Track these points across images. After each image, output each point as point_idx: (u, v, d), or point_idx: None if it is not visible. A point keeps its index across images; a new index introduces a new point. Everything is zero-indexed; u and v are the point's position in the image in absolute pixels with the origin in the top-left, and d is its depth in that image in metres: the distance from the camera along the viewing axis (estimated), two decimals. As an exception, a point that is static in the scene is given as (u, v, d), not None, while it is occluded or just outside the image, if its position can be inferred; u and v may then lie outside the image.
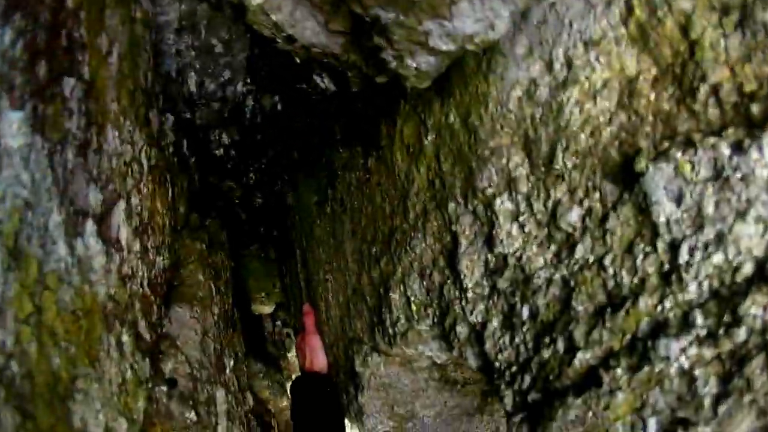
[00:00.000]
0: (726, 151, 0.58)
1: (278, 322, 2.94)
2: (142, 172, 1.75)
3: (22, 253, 0.92)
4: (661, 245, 0.63)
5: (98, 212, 1.32)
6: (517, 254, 0.88)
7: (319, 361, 1.91)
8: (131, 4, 1.67)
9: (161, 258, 1.90)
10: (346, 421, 1.81)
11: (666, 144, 0.64)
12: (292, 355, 2.93)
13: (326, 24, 1.15)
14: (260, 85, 2.61)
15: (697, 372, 0.58)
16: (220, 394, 1.93)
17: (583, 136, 0.77)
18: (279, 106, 2.71)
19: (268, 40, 1.56)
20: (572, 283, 0.77)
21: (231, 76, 2.55)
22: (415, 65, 0.90)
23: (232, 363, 2.19)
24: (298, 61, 1.65)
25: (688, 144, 0.61)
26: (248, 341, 2.57)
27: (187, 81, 2.47)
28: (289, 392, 1.91)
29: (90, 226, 1.27)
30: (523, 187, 0.85)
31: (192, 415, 1.66)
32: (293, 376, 2.85)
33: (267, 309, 2.75)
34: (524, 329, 0.87)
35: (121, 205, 1.53)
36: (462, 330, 1.05)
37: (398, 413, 1.65)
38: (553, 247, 0.81)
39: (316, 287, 2.04)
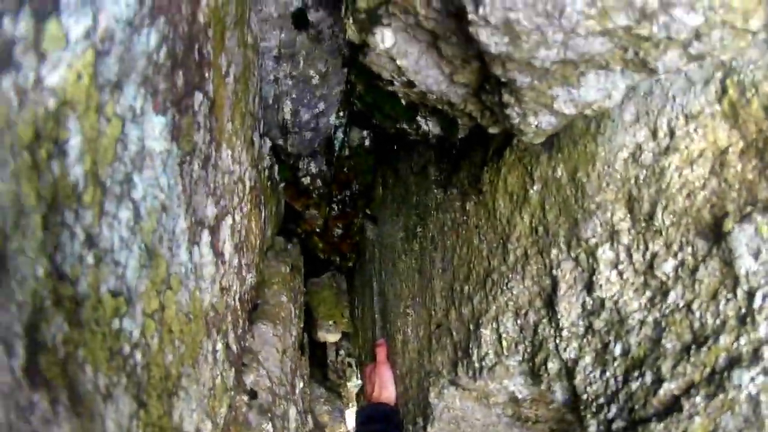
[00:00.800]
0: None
1: (341, 351, 3.22)
2: (244, 192, 2.06)
3: (154, 252, 1.19)
4: (740, 293, 0.86)
5: (212, 224, 1.61)
6: (614, 298, 1.12)
7: (389, 391, 2.18)
8: (245, 28, 1.99)
9: (251, 276, 2.21)
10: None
11: (749, 209, 0.88)
12: (352, 384, 3.20)
13: (451, 75, 1.42)
14: (351, 119, 2.94)
15: (762, 397, 0.80)
16: (292, 411, 2.19)
17: (680, 198, 1.01)
18: (367, 142, 3.03)
19: (371, 79, 1.85)
20: (663, 324, 1.00)
21: (325, 107, 2.90)
22: (536, 123, 1.17)
23: (301, 384, 2.46)
24: (403, 102, 1.94)
25: (766, 209, 0.85)
26: (311, 366, 2.86)
27: (283, 108, 2.84)
28: (355, 419, 2.17)
29: (206, 236, 1.56)
30: (625, 239, 1.10)
31: (269, 427, 1.94)
32: (350, 405, 3.12)
33: (332, 337, 3.03)
34: (615, 364, 1.10)
35: (229, 220, 1.83)
36: (553, 366, 1.28)
37: (464, 446, 1.87)
38: (647, 293, 1.04)
39: (394, 320, 2.31)
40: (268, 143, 2.61)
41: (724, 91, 0.97)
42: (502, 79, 1.10)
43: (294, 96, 2.90)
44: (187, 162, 1.35)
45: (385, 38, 1.45)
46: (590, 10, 0.88)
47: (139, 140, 1.06)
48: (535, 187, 1.37)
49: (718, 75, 0.98)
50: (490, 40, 0.98)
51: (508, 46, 0.97)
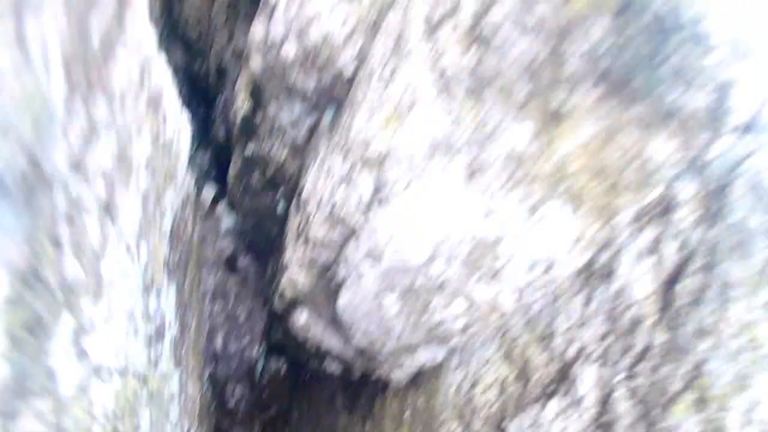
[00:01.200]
0: (527, 421, 1.63)
1: None
2: (195, 412, 2.67)
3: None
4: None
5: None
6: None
7: None
8: (201, 275, 2.66)
9: None
10: None
11: (518, 411, 1.68)
12: None
13: (345, 342, 2.23)
14: (270, 351, 3.62)
15: None
16: None
17: (484, 410, 1.81)
18: (283, 371, 3.69)
19: (288, 334, 2.58)
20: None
21: (249, 340, 3.58)
22: (395, 376, 1.98)
23: None
24: (313, 350, 2.69)
25: (519, 413, 1.65)
26: None
27: (215, 340, 3.48)
28: None
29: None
30: (459, 441, 1.87)
31: None
32: None
33: None
34: None
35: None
36: None
37: None
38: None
39: None
40: (207, 371, 3.22)
41: (503, 343, 1.81)
42: (369, 356, 1.92)
43: (224, 331, 3.55)
44: (177, 398, 2.02)
45: (300, 317, 2.26)
46: (408, 324, 1.74)
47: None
48: (407, 412, 2.15)
49: (499, 334, 1.82)
50: (359, 343, 1.82)
51: (367, 346, 1.82)
